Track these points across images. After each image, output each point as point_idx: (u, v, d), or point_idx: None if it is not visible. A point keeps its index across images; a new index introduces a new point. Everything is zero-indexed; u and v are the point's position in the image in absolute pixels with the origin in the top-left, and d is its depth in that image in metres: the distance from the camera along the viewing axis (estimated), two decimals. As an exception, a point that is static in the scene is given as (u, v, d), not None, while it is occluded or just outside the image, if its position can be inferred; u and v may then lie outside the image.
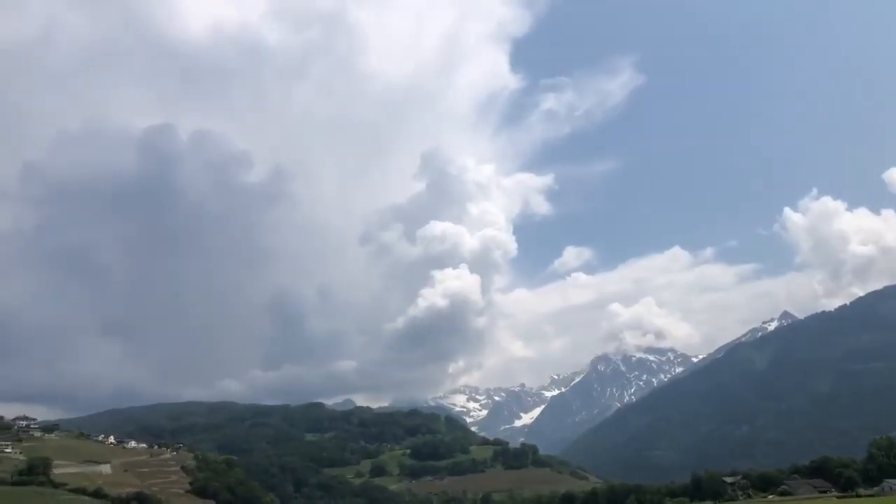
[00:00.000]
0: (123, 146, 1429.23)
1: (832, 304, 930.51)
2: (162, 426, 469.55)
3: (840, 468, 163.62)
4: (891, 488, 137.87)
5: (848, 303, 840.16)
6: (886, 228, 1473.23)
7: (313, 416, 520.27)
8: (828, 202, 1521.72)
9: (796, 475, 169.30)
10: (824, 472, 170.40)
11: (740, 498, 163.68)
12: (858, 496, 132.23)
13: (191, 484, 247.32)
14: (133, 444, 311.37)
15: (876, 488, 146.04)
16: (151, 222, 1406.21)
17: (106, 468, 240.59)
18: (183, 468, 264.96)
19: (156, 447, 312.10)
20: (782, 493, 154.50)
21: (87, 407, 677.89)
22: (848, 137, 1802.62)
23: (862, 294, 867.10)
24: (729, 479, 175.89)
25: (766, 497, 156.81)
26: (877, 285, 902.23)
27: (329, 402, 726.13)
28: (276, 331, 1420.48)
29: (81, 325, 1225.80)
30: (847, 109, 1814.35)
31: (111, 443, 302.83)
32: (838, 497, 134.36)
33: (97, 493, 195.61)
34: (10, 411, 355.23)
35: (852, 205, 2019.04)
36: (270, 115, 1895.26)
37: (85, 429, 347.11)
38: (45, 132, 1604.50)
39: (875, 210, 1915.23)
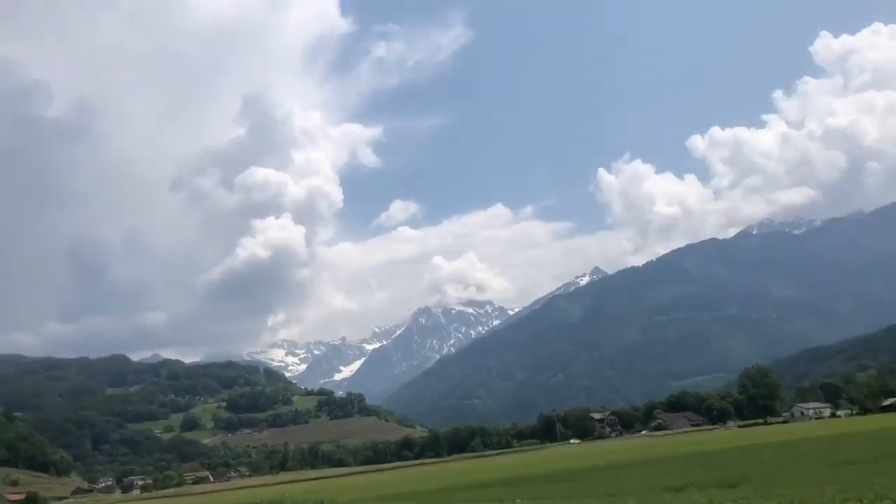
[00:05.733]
0: None
1: (639, 260, 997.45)
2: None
3: (706, 401, 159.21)
4: (801, 412, 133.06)
5: (654, 259, 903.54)
6: (688, 191, 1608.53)
7: (116, 369, 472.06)
8: (638, 165, 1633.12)
9: (659, 410, 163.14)
10: (681, 407, 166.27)
11: (611, 435, 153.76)
12: (767, 423, 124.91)
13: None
14: None
15: (786, 413, 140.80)
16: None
17: None
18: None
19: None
20: (657, 428, 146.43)
21: None
22: (658, 105, 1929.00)
23: (665, 251, 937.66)
24: (597, 416, 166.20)
25: (639, 433, 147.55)
26: (679, 243, 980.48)
27: (135, 356, 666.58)
28: (76, 280, 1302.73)
29: None
30: (660, 78, 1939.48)
31: None
32: (739, 426, 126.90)
33: None
34: None
35: (660, 169, 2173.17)
36: (73, 43, 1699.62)
37: None
38: None
39: (679, 175, 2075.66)
